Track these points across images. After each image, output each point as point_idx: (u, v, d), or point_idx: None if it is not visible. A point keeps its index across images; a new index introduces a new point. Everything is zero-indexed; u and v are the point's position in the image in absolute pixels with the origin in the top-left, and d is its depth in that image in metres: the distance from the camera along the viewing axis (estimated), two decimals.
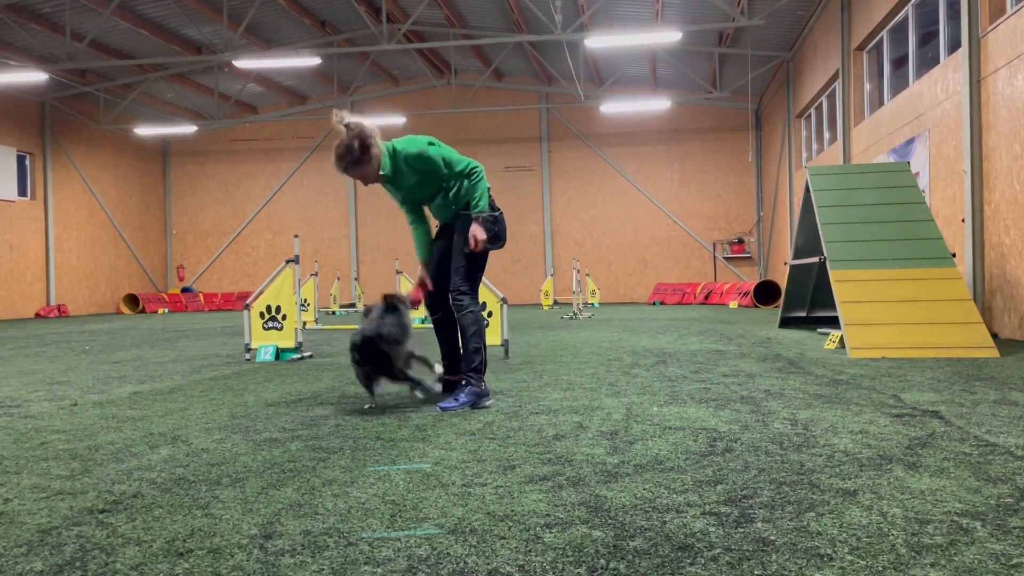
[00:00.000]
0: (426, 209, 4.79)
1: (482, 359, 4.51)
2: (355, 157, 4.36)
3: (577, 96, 22.91)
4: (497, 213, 4.54)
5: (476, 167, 4.50)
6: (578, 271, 17.52)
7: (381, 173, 4.42)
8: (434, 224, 4.87)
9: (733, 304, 20.52)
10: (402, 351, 4.40)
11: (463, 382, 4.47)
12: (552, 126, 27.17)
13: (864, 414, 4.00)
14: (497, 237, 4.53)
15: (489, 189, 4.55)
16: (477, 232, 4.38)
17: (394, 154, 4.42)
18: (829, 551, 2.03)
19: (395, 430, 3.78)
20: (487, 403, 4.47)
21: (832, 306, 9.86)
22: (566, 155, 27.15)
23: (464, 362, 4.52)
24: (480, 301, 6.63)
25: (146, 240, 28.00)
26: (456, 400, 4.38)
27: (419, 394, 4.59)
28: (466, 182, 4.48)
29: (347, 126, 4.34)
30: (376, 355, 4.31)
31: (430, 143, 4.44)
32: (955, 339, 6.97)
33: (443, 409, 4.32)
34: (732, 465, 2.96)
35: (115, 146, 26.27)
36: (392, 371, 4.35)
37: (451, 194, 4.54)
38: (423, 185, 4.51)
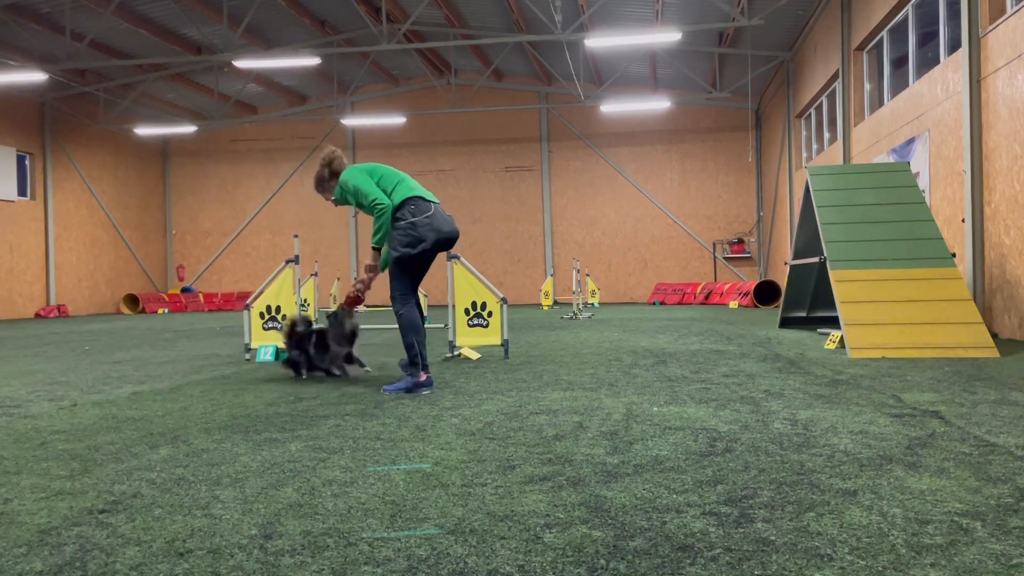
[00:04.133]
0: None
1: (415, 353, 5.12)
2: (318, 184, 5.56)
3: (577, 96, 22.91)
4: (415, 219, 5.13)
5: (378, 204, 5.12)
6: (578, 271, 17.52)
7: (333, 197, 5.45)
8: None
9: (733, 304, 20.52)
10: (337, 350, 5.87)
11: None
12: (552, 126, 27.17)
13: (864, 414, 4.00)
14: (411, 244, 5.11)
15: (415, 198, 5.19)
16: (369, 260, 5.30)
17: (342, 184, 5.35)
18: (829, 551, 2.03)
19: (395, 430, 3.78)
20: (424, 392, 5.08)
21: (832, 306, 9.86)
22: (566, 155, 27.15)
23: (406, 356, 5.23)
24: (481, 300, 7.02)
25: (146, 240, 28.00)
26: (395, 386, 5.13)
27: (339, 373, 5.91)
28: (374, 215, 5.19)
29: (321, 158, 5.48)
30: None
31: (366, 170, 5.30)
32: (955, 339, 6.97)
33: (385, 391, 5.12)
34: (732, 465, 2.96)
35: (115, 146, 26.27)
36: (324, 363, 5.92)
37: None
38: (354, 204, 5.35)
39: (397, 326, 5.33)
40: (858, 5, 14.44)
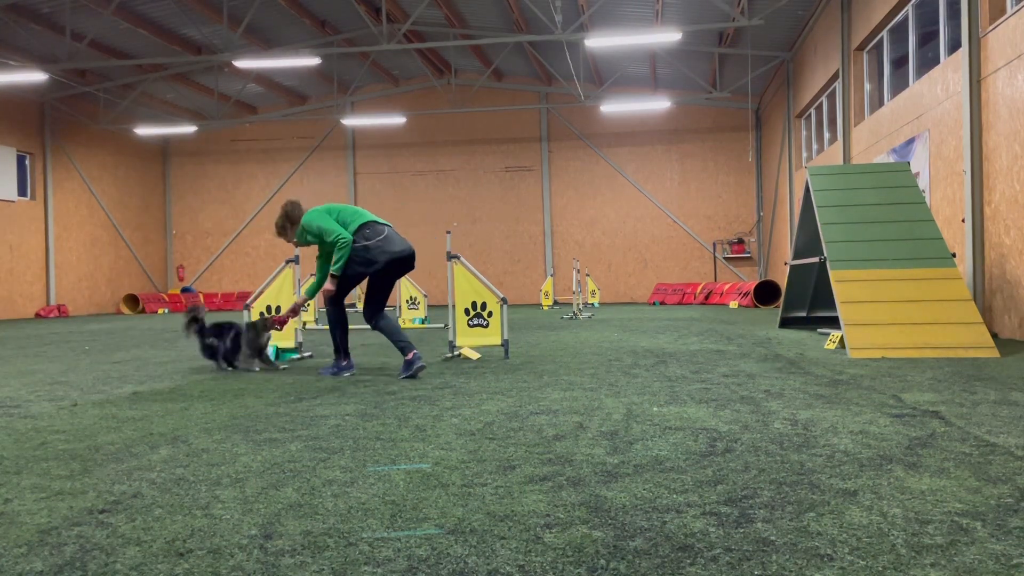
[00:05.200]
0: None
1: (336, 345, 6.28)
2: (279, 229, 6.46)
3: (577, 96, 22.91)
4: (369, 243, 6.00)
5: (340, 241, 5.96)
6: (578, 271, 17.52)
7: (294, 240, 6.34)
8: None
9: (733, 304, 20.52)
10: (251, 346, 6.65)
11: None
12: (552, 126, 27.17)
13: (864, 414, 4.00)
14: (365, 264, 6.01)
15: (370, 223, 6.12)
16: (327, 285, 6.09)
17: (301, 227, 6.21)
18: (829, 551, 2.03)
19: (395, 430, 3.78)
20: (345, 374, 6.19)
21: (832, 306, 9.86)
22: (566, 155, 27.15)
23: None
24: (481, 301, 7.25)
25: (146, 240, 28.00)
26: (325, 370, 6.30)
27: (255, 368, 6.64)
28: (334, 249, 6.04)
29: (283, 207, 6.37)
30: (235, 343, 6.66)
31: (325, 211, 6.15)
32: (955, 339, 6.97)
33: (319, 373, 6.30)
34: (732, 465, 2.96)
35: (115, 146, 26.27)
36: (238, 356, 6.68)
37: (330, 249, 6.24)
38: (318, 243, 6.20)
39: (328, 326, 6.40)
40: (858, 5, 14.44)
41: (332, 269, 5.99)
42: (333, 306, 6.25)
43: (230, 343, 6.64)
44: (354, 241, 6.00)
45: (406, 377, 5.89)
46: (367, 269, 6.01)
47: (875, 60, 14.57)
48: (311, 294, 6.45)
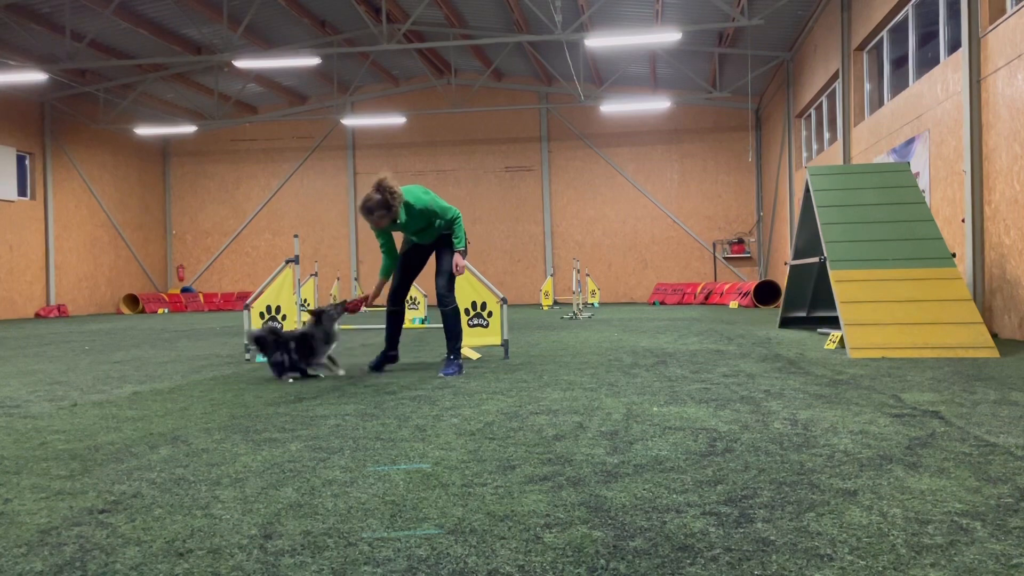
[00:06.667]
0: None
1: (454, 342, 6.18)
2: (381, 209, 5.83)
3: (577, 96, 22.91)
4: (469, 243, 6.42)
5: (458, 216, 6.13)
6: (578, 271, 17.52)
7: (398, 221, 5.93)
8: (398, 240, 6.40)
9: (733, 304, 20.52)
10: (322, 348, 6.04)
11: (450, 356, 6.17)
12: (552, 126, 27.17)
13: (864, 414, 4.00)
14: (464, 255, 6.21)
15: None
16: (459, 261, 6.07)
17: (408, 207, 5.89)
18: (829, 551, 2.03)
19: (395, 430, 3.78)
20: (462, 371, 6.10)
21: (832, 306, 9.86)
22: (566, 155, 27.15)
23: (451, 341, 6.18)
24: (481, 300, 7.35)
25: (146, 240, 28.00)
26: (448, 371, 6.01)
27: (322, 373, 6.08)
28: (454, 226, 6.13)
29: (379, 186, 5.77)
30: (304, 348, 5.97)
31: (424, 192, 6.02)
32: (955, 339, 6.97)
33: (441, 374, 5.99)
34: (732, 465, 2.96)
35: (115, 146, 26.27)
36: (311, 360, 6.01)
37: (436, 229, 6.15)
38: (424, 226, 6.07)
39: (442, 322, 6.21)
40: (858, 5, 14.44)
41: (460, 245, 6.07)
42: (454, 298, 6.22)
43: (296, 351, 5.92)
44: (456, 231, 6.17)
45: (452, 374, 5.95)
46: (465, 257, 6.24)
47: (875, 60, 14.57)
48: (387, 274, 6.23)
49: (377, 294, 6.26)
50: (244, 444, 3.51)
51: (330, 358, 6.10)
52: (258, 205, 28.63)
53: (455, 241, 6.10)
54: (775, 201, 23.13)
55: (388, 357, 6.44)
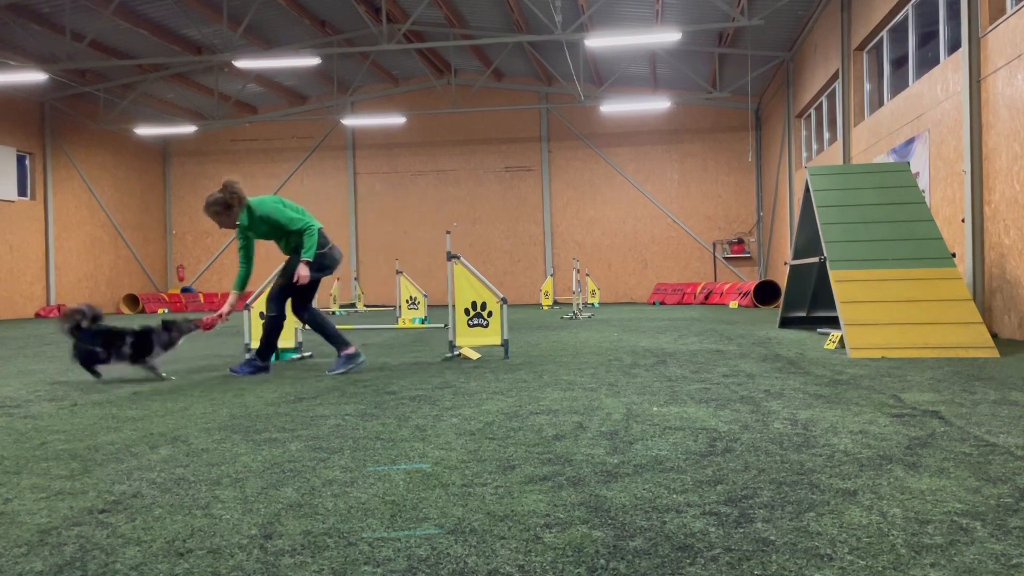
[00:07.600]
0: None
1: (332, 338, 6.34)
2: (218, 206, 6.12)
3: (577, 96, 22.91)
4: (324, 249, 6.30)
5: (309, 227, 6.23)
6: (578, 271, 17.52)
7: (237, 224, 6.17)
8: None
9: (733, 304, 20.52)
10: (158, 352, 6.09)
11: (247, 356, 6.55)
12: (552, 126, 27.17)
13: (864, 414, 4.00)
14: (322, 268, 6.33)
15: (322, 230, 6.35)
16: (301, 271, 6.15)
17: (250, 211, 6.17)
18: (829, 551, 2.03)
19: (395, 430, 3.78)
20: (263, 373, 6.26)
21: (832, 306, 9.86)
22: (566, 155, 27.15)
23: (261, 345, 6.41)
24: (481, 300, 7.27)
25: (146, 240, 28.00)
26: (240, 370, 6.27)
27: (147, 373, 6.13)
28: (303, 236, 6.22)
29: (223, 186, 6.06)
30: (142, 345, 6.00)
31: (278, 202, 6.27)
32: (955, 339, 6.97)
33: (232, 372, 6.30)
34: (732, 465, 2.96)
35: (115, 146, 26.27)
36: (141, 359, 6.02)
37: (290, 240, 6.34)
38: (266, 231, 6.28)
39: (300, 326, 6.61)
40: (858, 5, 14.44)
41: (307, 255, 6.15)
42: (274, 307, 6.33)
43: (131, 348, 5.93)
44: (320, 243, 6.28)
45: (341, 373, 6.12)
46: (321, 274, 6.32)
47: (875, 60, 14.57)
48: (240, 287, 6.21)
49: (231, 310, 6.24)
50: (244, 444, 3.51)
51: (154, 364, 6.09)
52: None
53: (303, 251, 6.22)
54: (775, 201, 23.13)
55: (261, 368, 6.37)
